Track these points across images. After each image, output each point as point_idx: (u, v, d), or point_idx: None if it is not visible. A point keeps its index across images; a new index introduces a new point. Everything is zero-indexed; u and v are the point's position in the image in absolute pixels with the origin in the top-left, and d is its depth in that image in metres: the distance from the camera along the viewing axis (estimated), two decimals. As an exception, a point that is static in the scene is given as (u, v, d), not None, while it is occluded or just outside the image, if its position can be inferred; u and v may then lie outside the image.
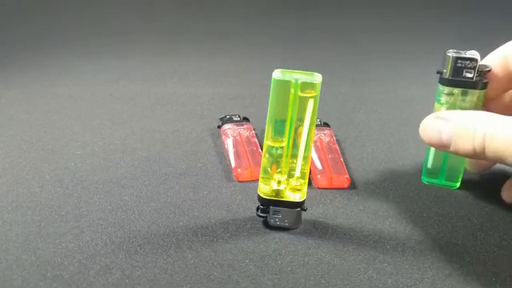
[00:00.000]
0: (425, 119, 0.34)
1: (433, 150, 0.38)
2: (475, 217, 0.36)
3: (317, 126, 0.43)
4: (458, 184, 0.38)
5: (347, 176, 0.38)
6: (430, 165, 0.38)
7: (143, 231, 0.33)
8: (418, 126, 0.34)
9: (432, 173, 0.38)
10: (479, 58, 0.34)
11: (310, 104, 0.31)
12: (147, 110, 0.49)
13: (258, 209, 0.34)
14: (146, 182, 0.38)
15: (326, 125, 0.44)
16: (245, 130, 0.43)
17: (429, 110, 0.35)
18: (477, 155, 0.31)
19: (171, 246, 0.32)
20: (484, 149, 0.31)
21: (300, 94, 0.31)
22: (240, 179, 0.39)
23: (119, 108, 0.49)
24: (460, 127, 0.32)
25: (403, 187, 0.38)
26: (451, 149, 0.33)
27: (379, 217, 0.35)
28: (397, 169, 0.41)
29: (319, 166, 0.39)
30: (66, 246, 0.31)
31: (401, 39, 0.73)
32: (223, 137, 0.43)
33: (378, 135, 0.46)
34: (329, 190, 0.38)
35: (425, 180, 0.39)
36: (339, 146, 0.42)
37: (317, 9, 0.82)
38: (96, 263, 0.30)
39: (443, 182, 0.38)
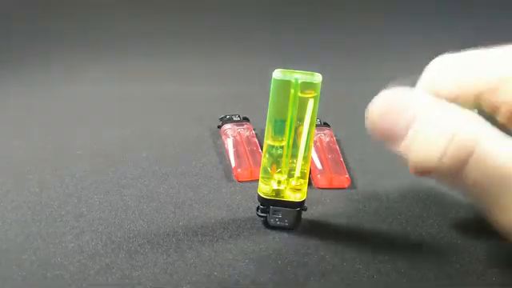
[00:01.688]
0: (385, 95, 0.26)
1: None
2: (475, 217, 0.36)
3: (317, 126, 0.43)
4: None
5: (347, 176, 0.38)
6: None
7: (143, 231, 0.33)
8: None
9: None
10: None
11: (310, 104, 0.31)
12: (147, 110, 0.49)
13: (257, 209, 0.34)
14: (146, 181, 0.38)
15: (326, 125, 0.44)
16: (245, 130, 0.43)
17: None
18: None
19: (171, 245, 0.32)
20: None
21: (300, 94, 0.31)
22: (240, 179, 0.39)
23: (119, 108, 0.49)
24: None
25: (403, 187, 0.38)
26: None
27: (379, 217, 0.35)
28: (397, 169, 0.41)
29: (319, 165, 0.39)
30: (66, 246, 0.31)
31: (401, 39, 0.73)
32: (223, 137, 0.43)
33: (378, 135, 0.46)
34: (329, 190, 0.38)
35: None
36: (339, 146, 0.42)
37: (317, 9, 0.82)
38: (96, 263, 0.30)
39: None
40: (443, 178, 0.25)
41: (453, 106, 0.25)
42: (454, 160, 0.24)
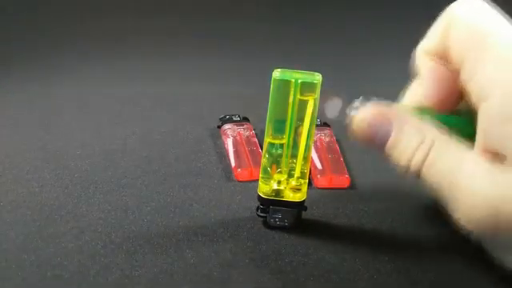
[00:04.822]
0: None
1: None
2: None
3: (317, 125, 0.43)
4: None
5: (347, 176, 0.38)
6: None
7: (143, 231, 0.33)
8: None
9: None
10: None
11: (310, 104, 0.31)
12: (147, 110, 0.49)
13: (257, 209, 0.34)
14: (146, 182, 0.38)
15: (326, 125, 0.44)
16: (245, 130, 0.43)
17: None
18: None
19: (171, 245, 0.32)
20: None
21: (300, 94, 0.31)
22: (240, 179, 0.39)
23: (119, 108, 0.49)
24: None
25: (403, 187, 0.38)
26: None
27: (379, 217, 0.35)
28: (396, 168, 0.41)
29: (319, 165, 0.39)
30: (66, 246, 0.31)
31: (402, 39, 0.73)
32: (223, 137, 0.43)
33: (378, 135, 0.46)
34: (329, 190, 0.38)
35: None
36: (339, 146, 0.42)
37: (317, 9, 0.82)
38: (96, 263, 0.30)
39: None
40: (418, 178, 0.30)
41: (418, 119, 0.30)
42: (418, 162, 0.29)
